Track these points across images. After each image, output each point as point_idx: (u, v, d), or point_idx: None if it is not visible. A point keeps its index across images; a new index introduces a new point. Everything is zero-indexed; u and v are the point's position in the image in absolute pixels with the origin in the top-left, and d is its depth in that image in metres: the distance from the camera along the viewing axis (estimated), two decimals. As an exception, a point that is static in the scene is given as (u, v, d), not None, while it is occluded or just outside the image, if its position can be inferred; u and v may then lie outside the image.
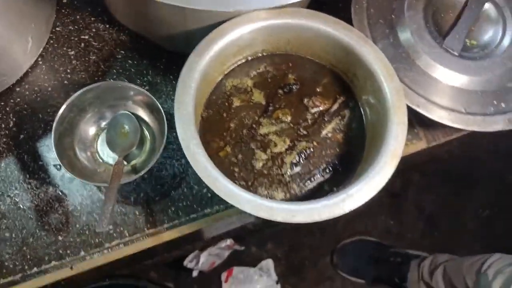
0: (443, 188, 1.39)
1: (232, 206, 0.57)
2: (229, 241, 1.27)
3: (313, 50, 0.56)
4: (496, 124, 0.51)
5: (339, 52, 0.53)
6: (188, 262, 1.22)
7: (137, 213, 0.56)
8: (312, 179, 0.53)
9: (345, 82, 0.57)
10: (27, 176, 0.56)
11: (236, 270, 1.27)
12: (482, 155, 1.40)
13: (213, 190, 0.45)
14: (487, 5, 0.56)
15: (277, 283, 1.27)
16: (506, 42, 0.54)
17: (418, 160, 1.35)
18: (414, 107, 0.51)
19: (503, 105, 0.52)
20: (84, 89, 0.53)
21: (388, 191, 1.38)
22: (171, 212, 0.57)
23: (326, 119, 0.55)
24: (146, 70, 0.61)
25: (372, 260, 1.23)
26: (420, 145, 0.61)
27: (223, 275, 1.26)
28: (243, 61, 0.56)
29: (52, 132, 0.51)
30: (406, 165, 1.37)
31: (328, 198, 0.46)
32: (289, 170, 0.53)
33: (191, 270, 1.21)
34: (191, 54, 0.50)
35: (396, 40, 0.54)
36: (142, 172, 0.51)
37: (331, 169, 0.53)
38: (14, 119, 0.58)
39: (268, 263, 1.29)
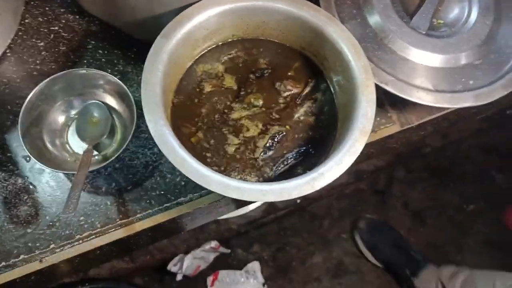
0: (427, 183, 1.40)
1: (206, 194, 0.57)
2: (213, 243, 1.25)
3: (283, 34, 0.56)
4: (464, 101, 0.51)
5: (308, 34, 0.53)
6: (172, 266, 1.20)
7: (109, 203, 0.55)
8: (285, 162, 0.53)
9: (315, 65, 0.57)
10: (-5, 168, 0.55)
11: (222, 273, 1.25)
12: (464, 150, 1.42)
13: (181, 171, 0.44)
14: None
15: (263, 285, 1.25)
16: (472, 20, 0.55)
17: (403, 154, 1.37)
18: (382, 85, 0.51)
19: (471, 82, 0.52)
20: (52, 77, 0.52)
21: (372, 188, 1.38)
22: (143, 202, 0.55)
23: (298, 103, 0.55)
24: (117, 60, 0.61)
25: (394, 246, 1.23)
26: (394, 128, 0.61)
27: (209, 279, 1.24)
28: (214, 46, 0.56)
29: (19, 121, 0.50)
30: (390, 161, 1.39)
31: (299, 177, 0.45)
32: (262, 154, 0.52)
33: (175, 274, 1.19)
34: (158, 36, 0.49)
35: (363, 20, 0.54)
36: (111, 159, 0.50)
37: (304, 152, 0.53)
38: (-19, 111, 0.57)
39: (254, 266, 1.27)
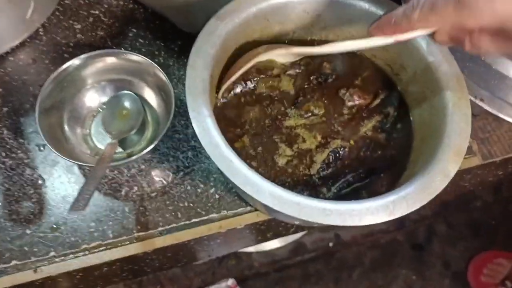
0: (472, 242, 1.25)
1: (244, 212, 0.47)
2: (230, 281, 1.13)
3: (352, 37, 0.48)
4: None
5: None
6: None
7: (127, 210, 0.46)
8: (347, 183, 0.43)
9: (388, 76, 0.48)
10: (2, 154, 0.47)
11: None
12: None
13: (226, 174, 0.35)
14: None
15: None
16: None
17: (449, 204, 1.24)
18: (477, 101, 0.42)
19: None
20: (86, 55, 0.45)
21: (410, 241, 1.25)
22: (168, 214, 0.46)
23: (365, 115, 0.46)
24: (158, 51, 0.54)
25: None
26: (474, 161, 0.51)
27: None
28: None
29: (38, 101, 0.43)
30: (433, 212, 1.26)
31: (374, 199, 0.35)
32: (319, 171, 0.43)
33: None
34: (213, 17, 0.42)
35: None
36: (136, 156, 0.42)
37: (370, 173, 0.43)
38: (0, 89, 0.50)
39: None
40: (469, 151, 0.51)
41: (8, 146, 0.47)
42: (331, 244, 1.14)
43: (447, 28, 0.33)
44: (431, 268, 1.23)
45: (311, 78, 0.47)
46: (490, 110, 0.41)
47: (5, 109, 0.49)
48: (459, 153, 0.37)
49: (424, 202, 0.35)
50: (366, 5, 0.45)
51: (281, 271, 1.15)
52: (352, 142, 0.44)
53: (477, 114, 0.51)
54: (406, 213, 0.35)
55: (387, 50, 0.46)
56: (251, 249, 1.07)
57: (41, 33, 0.54)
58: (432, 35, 0.35)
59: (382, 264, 1.21)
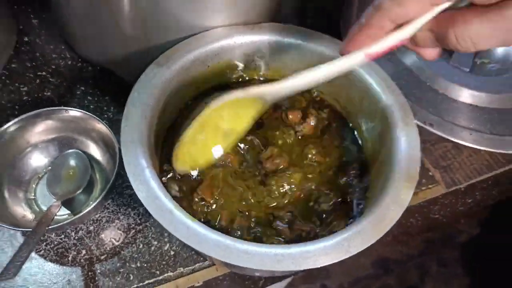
0: (465, 280, 1.21)
1: (202, 268, 0.44)
2: None
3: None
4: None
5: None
6: None
7: (74, 277, 0.42)
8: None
9: (339, 112, 0.48)
10: None
11: None
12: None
13: (168, 229, 0.32)
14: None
15: None
16: None
17: (435, 242, 1.21)
18: (427, 126, 0.41)
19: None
20: (26, 115, 0.44)
21: (402, 285, 1.20)
22: (119, 277, 0.42)
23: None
24: (107, 107, 0.53)
25: None
26: (439, 189, 0.49)
27: None
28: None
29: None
30: (420, 250, 1.22)
31: (327, 238, 0.33)
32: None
33: None
34: (150, 65, 0.41)
35: (394, 56, 0.46)
36: (79, 215, 0.39)
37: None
38: None
39: None
40: (432, 181, 0.50)
41: None
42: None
43: (427, 18, 0.27)
44: (426, 311, 1.17)
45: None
46: (440, 134, 0.41)
47: None
48: (410, 179, 0.35)
49: (381, 235, 0.33)
50: (308, 44, 0.45)
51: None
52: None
53: (435, 142, 0.51)
54: (362, 249, 0.32)
55: (332, 84, 0.46)
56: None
57: (-15, 99, 0.53)
58: (412, 41, 0.30)
59: (376, 313, 1.14)
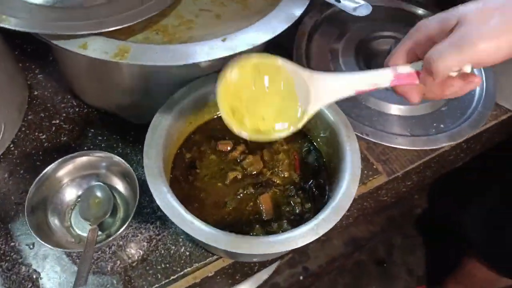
0: (427, 246, 1.40)
1: (212, 261, 0.57)
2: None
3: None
4: (439, 142, 0.56)
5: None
6: None
7: (115, 282, 0.55)
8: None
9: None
10: (-2, 259, 0.55)
11: None
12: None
13: (191, 235, 0.45)
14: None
15: None
16: None
17: (396, 218, 1.39)
18: (364, 136, 0.56)
19: (442, 126, 0.58)
20: (59, 160, 0.56)
21: (373, 259, 1.37)
22: (150, 277, 0.55)
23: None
24: (116, 144, 0.65)
25: None
26: (381, 178, 0.65)
27: None
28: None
29: (26, 204, 0.52)
30: (384, 226, 1.39)
31: (302, 226, 0.47)
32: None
33: None
34: (156, 114, 0.54)
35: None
36: (114, 236, 0.52)
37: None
38: (-15, 204, 0.59)
39: None
40: (376, 172, 0.65)
41: (1, 251, 0.55)
42: (301, 278, 1.23)
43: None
44: (398, 279, 1.35)
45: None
46: (374, 140, 0.56)
47: (-8, 220, 0.58)
48: (355, 177, 0.50)
49: (338, 219, 0.47)
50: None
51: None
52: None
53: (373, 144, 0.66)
54: (326, 230, 0.47)
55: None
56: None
57: (12, 148, 0.63)
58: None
59: (354, 286, 1.31)
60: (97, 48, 0.47)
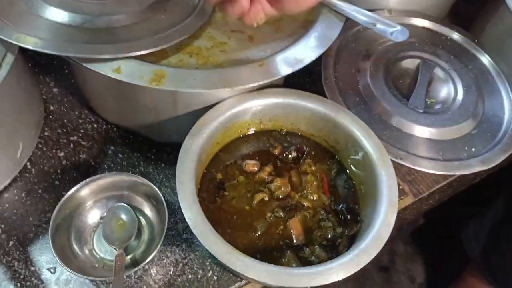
0: (429, 255, 1.40)
1: (241, 286, 0.56)
2: None
3: (294, 124, 0.60)
4: (472, 167, 0.55)
5: (317, 122, 0.58)
6: None
7: (141, 308, 0.53)
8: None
9: (326, 148, 0.61)
10: (18, 285, 0.53)
11: None
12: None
13: (228, 265, 0.44)
14: (436, 69, 0.66)
15: None
16: (459, 96, 0.63)
17: (402, 229, 1.39)
18: (397, 160, 0.55)
19: (473, 149, 0.57)
20: (83, 182, 0.54)
21: (377, 266, 1.38)
22: (176, 303, 0.54)
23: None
24: (137, 162, 0.63)
25: None
26: (408, 199, 0.64)
27: None
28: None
29: (50, 228, 0.50)
30: (392, 239, 1.40)
31: (341, 257, 0.46)
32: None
33: None
34: (186, 137, 0.52)
35: (366, 105, 0.60)
36: (145, 262, 0.50)
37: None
38: (2, 225, 0.56)
39: None
40: (403, 193, 0.64)
41: (21, 276, 0.53)
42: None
43: None
44: (400, 285, 1.36)
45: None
46: (408, 165, 0.55)
47: (11, 242, 0.55)
48: (393, 205, 0.49)
49: (378, 250, 0.46)
50: (300, 102, 0.58)
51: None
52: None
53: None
54: (367, 262, 0.46)
55: (322, 129, 0.59)
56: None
57: (29, 166, 0.61)
58: None
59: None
60: (131, 73, 0.45)
